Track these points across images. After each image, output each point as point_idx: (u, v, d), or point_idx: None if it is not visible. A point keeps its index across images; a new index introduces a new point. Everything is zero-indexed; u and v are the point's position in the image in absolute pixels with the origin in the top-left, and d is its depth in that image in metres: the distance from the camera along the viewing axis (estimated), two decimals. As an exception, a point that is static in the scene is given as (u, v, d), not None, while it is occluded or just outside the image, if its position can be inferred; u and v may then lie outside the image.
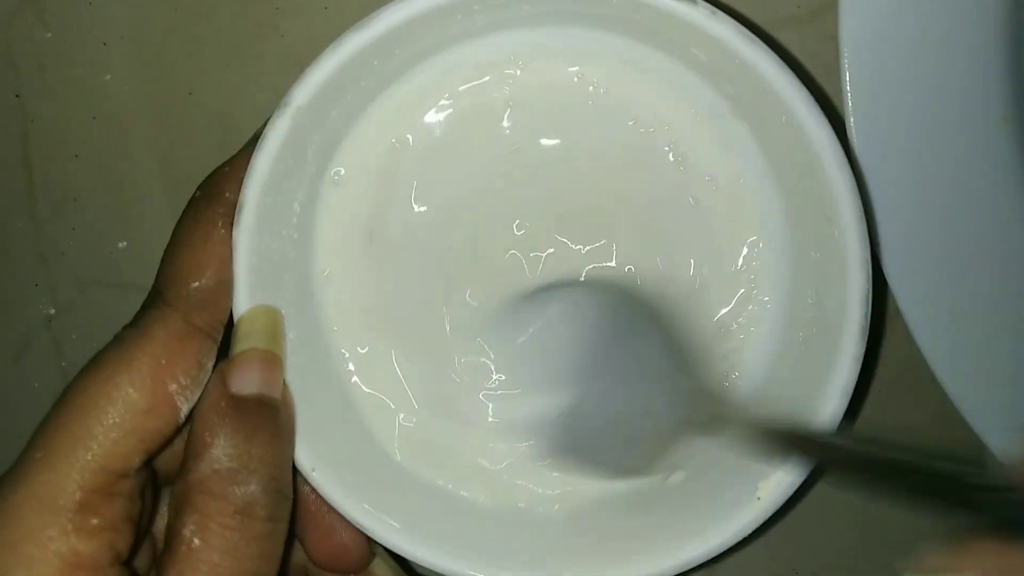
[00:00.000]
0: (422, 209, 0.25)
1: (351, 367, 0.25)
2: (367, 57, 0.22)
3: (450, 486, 0.25)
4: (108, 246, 0.30)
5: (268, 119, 0.22)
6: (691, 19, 0.20)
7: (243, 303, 0.22)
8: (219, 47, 0.29)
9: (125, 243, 0.30)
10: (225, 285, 0.21)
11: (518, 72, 0.24)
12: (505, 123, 0.25)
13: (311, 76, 0.21)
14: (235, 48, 0.29)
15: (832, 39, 0.24)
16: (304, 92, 0.21)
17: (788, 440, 0.19)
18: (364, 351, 0.25)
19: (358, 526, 0.23)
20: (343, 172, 0.25)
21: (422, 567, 0.24)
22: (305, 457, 0.22)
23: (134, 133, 0.29)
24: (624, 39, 0.23)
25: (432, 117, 0.24)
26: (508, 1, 0.22)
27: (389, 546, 0.23)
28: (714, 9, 0.20)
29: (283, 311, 0.23)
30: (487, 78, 0.24)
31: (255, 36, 0.28)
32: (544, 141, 0.25)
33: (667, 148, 0.24)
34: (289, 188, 0.23)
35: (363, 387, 0.25)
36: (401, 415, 0.25)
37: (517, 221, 0.25)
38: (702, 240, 0.24)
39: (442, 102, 0.24)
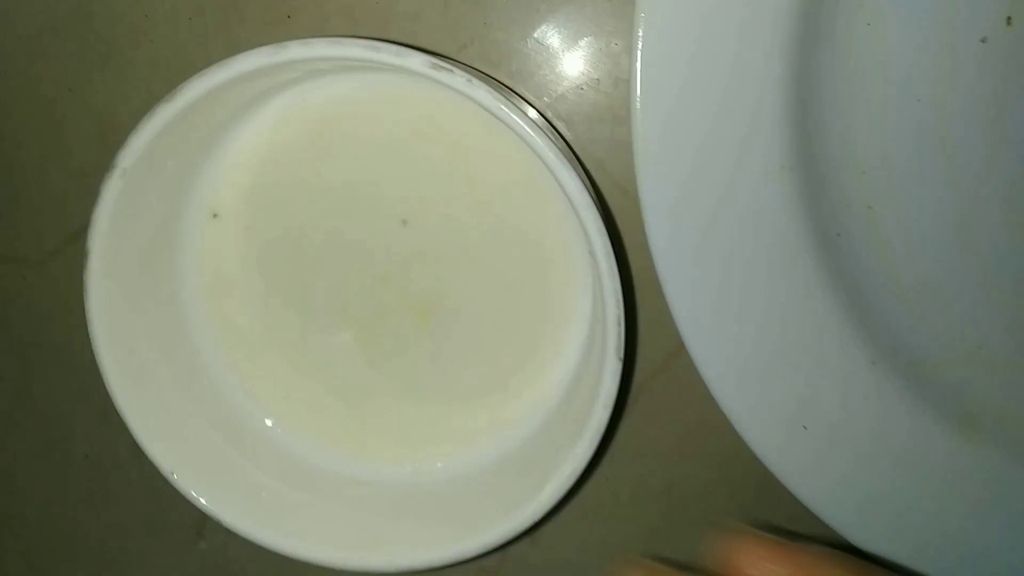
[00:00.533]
0: (279, 238, 0.28)
1: (223, 378, 0.29)
2: (185, 120, 0.24)
3: (305, 474, 0.29)
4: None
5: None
6: (451, 84, 0.23)
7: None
8: (96, 49, 0.31)
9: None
10: None
11: (340, 113, 0.27)
12: (335, 159, 0.27)
13: (133, 142, 0.24)
14: (111, 51, 0.31)
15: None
16: (129, 156, 0.24)
17: None
18: (238, 365, 0.29)
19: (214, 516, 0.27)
20: (197, 212, 0.28)
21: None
22: (164, 460, 0.26)
23: (20, 127, 0.32)
24: (425, 82, 0.26)
25: (265, 157, 0.27)
26: (306, 60, 0.24)
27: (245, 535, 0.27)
28: (470, 77, 0.22)
29: (145, 336, 0.27)
30: (306, 120, 0.27)
31: (129, 41, 0.31)
32: (373, 174, 0.27)
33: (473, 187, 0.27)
34: (135, 231, 0.26)
35: (228, 383, 0.29)
36: (268, 420, 0.29)
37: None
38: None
39: (274, 143, 0.27)
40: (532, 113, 0.27)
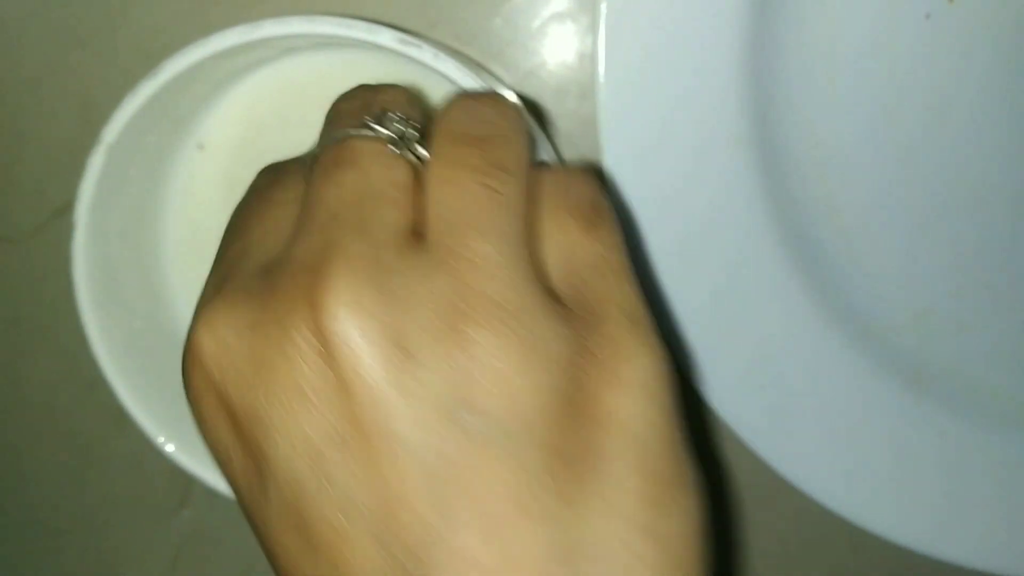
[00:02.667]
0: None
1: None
2: (166, 96, 0.25)
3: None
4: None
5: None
6: (420, 58, 0.24)
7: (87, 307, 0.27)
8: (75, 30, 0.32)
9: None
10: None
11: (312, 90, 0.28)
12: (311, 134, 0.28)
13: (117, 117, 0.25)
14: (90, 32, 0.32)
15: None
16: (113, 131, 0.25)
17: None
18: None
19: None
20: (176, 186, 0.29)
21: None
22: (151, 426, 0.27)
23: (3, 107, 0.33)
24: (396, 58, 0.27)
25: (241, 133, 0.28)
26: (280, 37, 0.25)
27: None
28: (437, 52, 0.24)
29: (129, 306, 0.28)
30: (282, 96, 0.28)
31: (107, 23, 0.32)
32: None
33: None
34: (118, 204, 0.27)
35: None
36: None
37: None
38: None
39: (251, 119, 0.28)
40: (499, 87, 0.28)
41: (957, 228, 0.30)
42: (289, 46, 0.27)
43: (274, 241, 0.20)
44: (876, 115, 0.29)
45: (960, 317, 0.31)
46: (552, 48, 0.31)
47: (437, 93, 0.27)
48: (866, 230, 0.30)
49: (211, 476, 0.28)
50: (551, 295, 0.18)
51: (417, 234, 0.18)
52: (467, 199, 0.18)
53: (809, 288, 0.30)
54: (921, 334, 0.31)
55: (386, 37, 0.23)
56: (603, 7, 0.27)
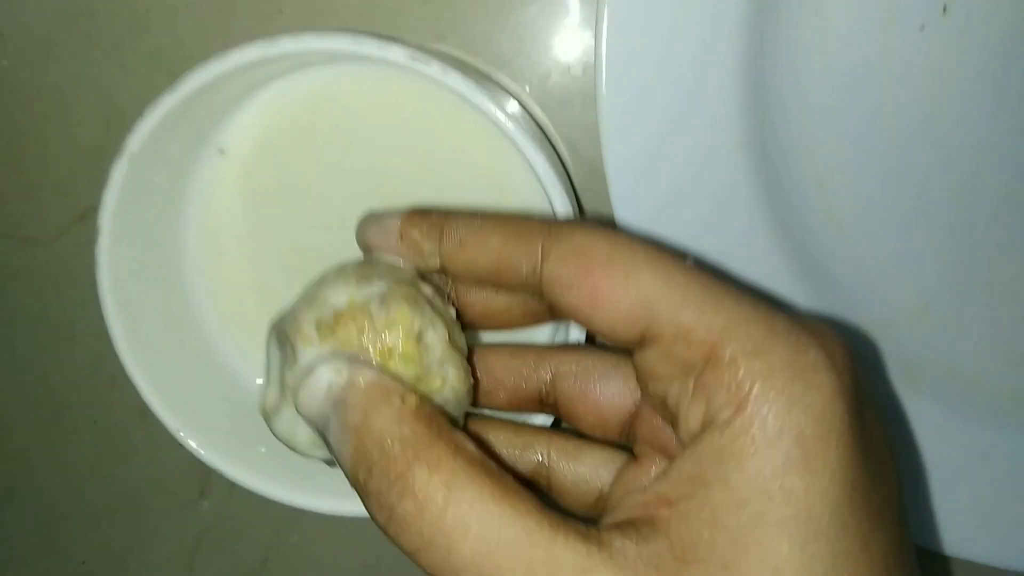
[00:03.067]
0: (274, 217, 0.30)
1: (222, 343, 0.31)
2: (186, 108, 0.27)
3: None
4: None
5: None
6: (428, 73, 0.25)
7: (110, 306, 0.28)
8: (101, 43, 0.34)
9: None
10: None
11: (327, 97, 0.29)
12: (325, 144, 0.30)
13: (139, 128, 0.26)
14: (114, 44, 0.34)
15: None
16: (136, 141, 0.27)
17: None
18: (236, 332, 0.31)
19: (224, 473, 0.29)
20: (197, 194, 0.30)
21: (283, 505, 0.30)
22: (172, 421, 0.29)
23: (31, 114, 0.35)
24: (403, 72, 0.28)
25: (259, 141, 0.30)
26: (296, 53, 0.27)
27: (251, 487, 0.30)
28: (445, 67, 0.25)
29: (151, 306, 0.29)
30: (297, 107, 0.29)
31: (131, 35, 0.33)
32: (360, 158, 0.30)
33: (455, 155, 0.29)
34: (141, 210, 0.28)
35: (227, 349, 0.31)
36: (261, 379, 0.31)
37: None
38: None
39: (268, 129, 0.30)
40: (505, 98, 0.30)
41: (955, 227, 0.31)
42: (305, 60, 0.28)
43: None
44: (872, 122, 0.30)
45: (957, 314, 0.32)
46: (557, 59, 0.32)
47: (445, 105, 0.28)
48: (865, 231, 0.31)
49: (229, 468, 0.29)
50: None
51: None
52: None
53: (809, 287, 0.31)
54: (918, 331, 0.32)
55: (396, 53, 0.24)
56: (604, 17, 0.28)
